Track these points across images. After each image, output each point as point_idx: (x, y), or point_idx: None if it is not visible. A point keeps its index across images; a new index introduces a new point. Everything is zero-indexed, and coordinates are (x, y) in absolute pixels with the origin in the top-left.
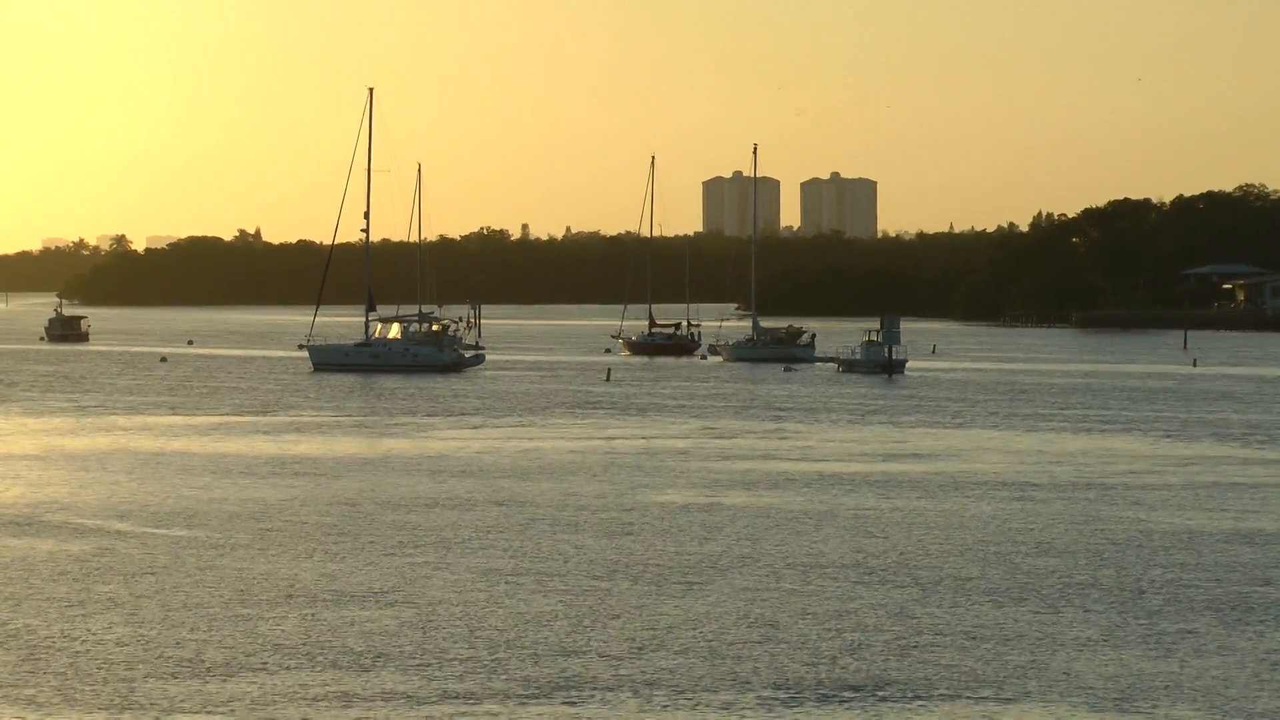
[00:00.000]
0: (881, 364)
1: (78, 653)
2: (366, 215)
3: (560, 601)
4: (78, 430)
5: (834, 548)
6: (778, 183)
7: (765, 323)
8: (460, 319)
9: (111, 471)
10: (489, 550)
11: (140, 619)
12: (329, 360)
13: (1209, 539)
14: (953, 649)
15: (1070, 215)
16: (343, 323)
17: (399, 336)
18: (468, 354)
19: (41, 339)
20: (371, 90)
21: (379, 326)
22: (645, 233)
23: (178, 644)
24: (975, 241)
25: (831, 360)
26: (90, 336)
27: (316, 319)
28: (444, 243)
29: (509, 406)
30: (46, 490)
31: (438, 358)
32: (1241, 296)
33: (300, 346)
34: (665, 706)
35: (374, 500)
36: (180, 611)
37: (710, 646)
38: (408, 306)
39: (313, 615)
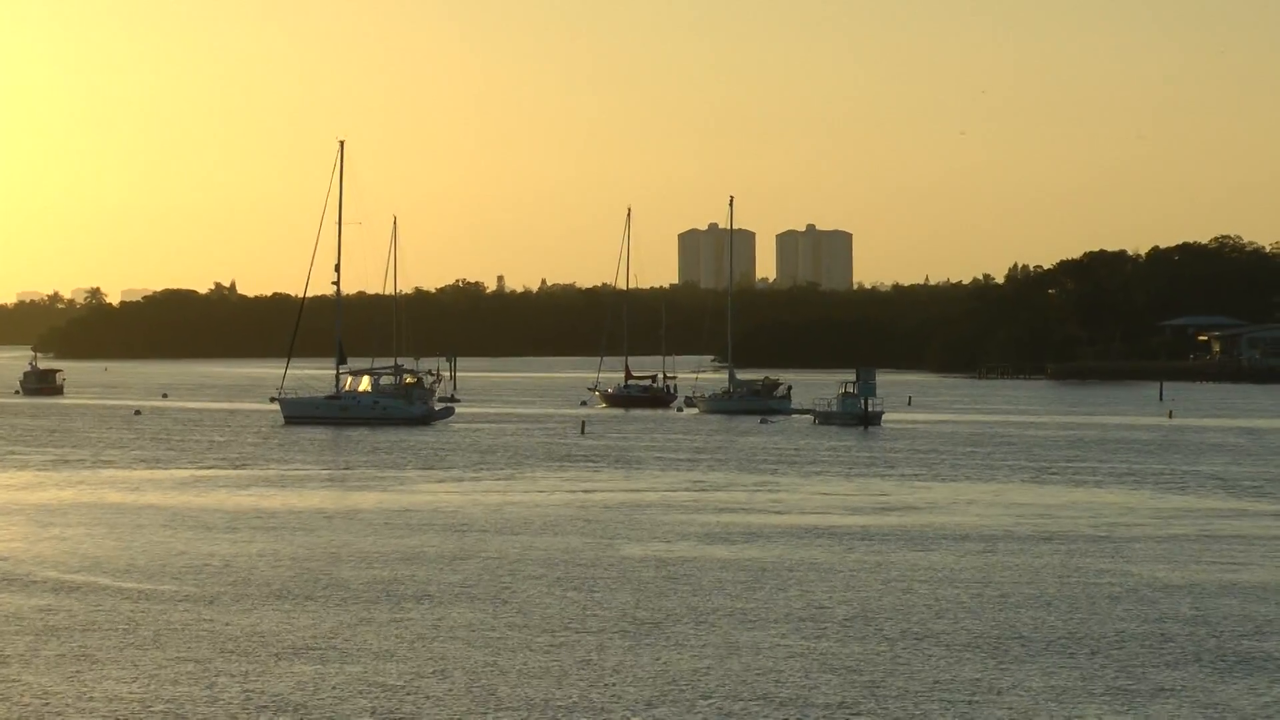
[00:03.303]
0: (858, 416)
1: (54, 710)
2: (337, 268)
3: (546, 657)
4: (50, 484)
5: (810, 601)
6: (753, 234)
7: (741, 374)
8: (431, 371)
9: (83, 525)
10: (466, 605)
11: (115, 676)
12: (300, 413)
13: (1192, 591)
14: (928, 703)
15: (1046, 267)
16: (315, 375)
17: (369, 389)
18: (438, 407)
19: (16, 392)
20: (342, 143)
21: (349, 379)
22: (621, 285)
23: (151, 702)
24: (951, 293)
25: (808, 412)
26: (65, 390)
27: (289, 371)
28: (419, 295)
29: (478, 460)
30: (14, 545)
31: (406, 410)
32: (1217, 348)
33: (272, 399)
34: None
35: (348, 556)
36: (156, 668)
37: (688, 701)
38: (382, 359)
39: (304, 671)
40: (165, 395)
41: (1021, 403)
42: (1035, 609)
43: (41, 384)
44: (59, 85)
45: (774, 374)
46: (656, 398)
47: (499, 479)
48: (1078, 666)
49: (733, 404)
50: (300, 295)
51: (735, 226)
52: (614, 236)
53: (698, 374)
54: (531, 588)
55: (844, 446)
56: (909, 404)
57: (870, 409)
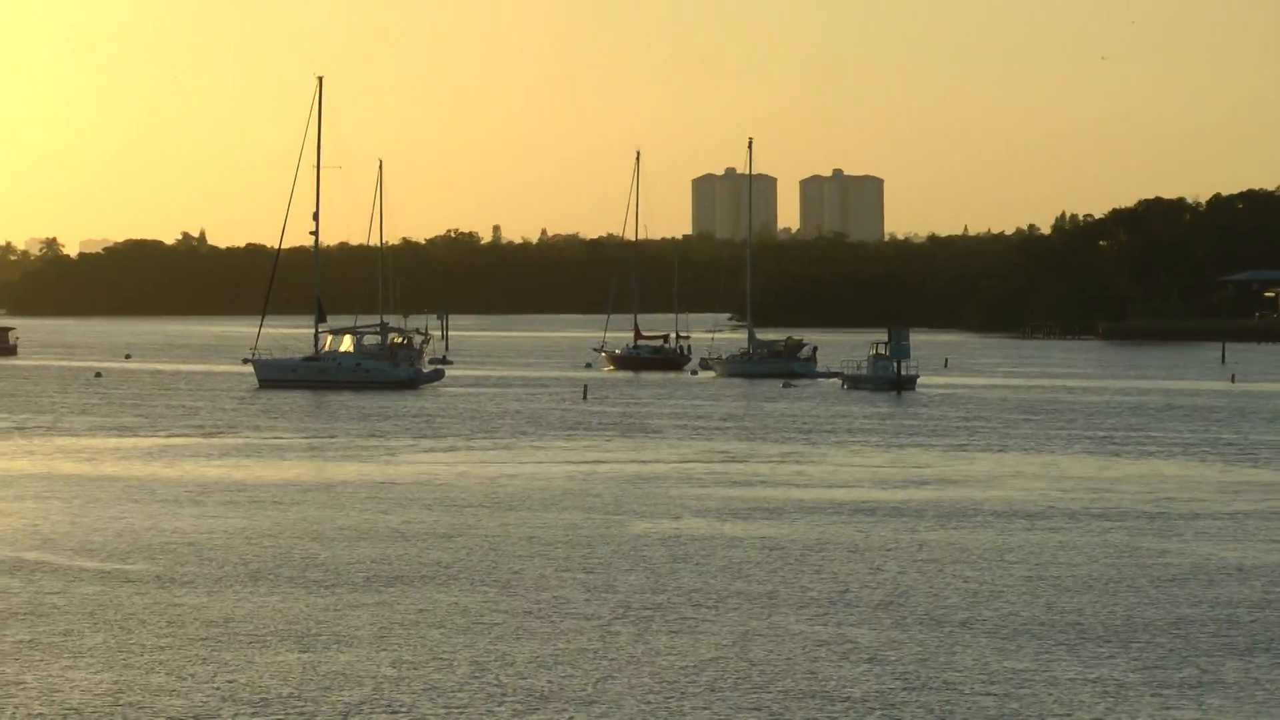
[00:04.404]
0: (890, 380)
1: (19, 703)
2: (315, 216)
3: (549, 644)
4: (6, 453)
5: (837, 583)
6: (775, 181)
7: (762, 334)
8: (420, 330)
9: (36, 499)
10: (460, 588)
11: (80, 664)
12: (275, 376)
13: (1260, 573)
14: (968, 695)
15: (1097, 216)
16: (292, 335)
17: (350, 349)
18: (427, 369)
19: None
20: (321, 79)
21: (329, 339)
22: (629, 236)
23: (120, 693)
24: (992, 245)
25: (835, 376)
26: (19, 350)
27: (263, 330)
28: (407, 246)
29: (472, 428)
30: None
31: (392, 373)
32: None
33: (245, 361)
34: None
35: (330, 533)
36: (124, 657)
37: (711, 688)
38: (367, 316)
39: (281, 661)
40: (128, 356)
41: (1069, 365)
42: (1087, 592)
43: None
44: (9, 14)
45: (797, 333)
46: (668, 360)
47: (494, 449)
48: (1133, 656)
49: (752, 367)
50: (275, 247)
51: (755, 172)
52: (621, 182)
53: (714, 334)
54: (531, 568)
55: (875, 413)
56: (945, 366)
57: (903, 372)
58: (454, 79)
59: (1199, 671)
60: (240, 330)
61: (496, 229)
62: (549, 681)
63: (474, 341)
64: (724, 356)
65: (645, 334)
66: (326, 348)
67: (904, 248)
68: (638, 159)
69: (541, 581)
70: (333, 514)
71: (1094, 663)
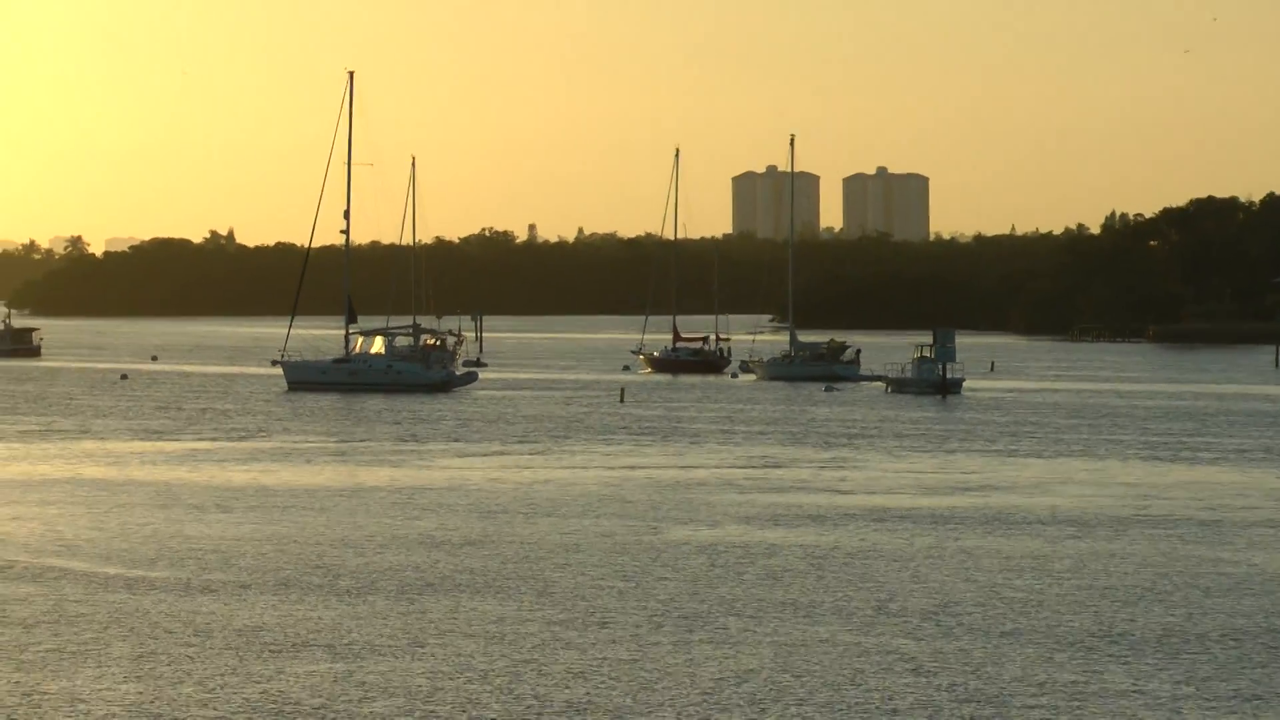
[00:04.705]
0: (935, 383)
1: (44, 713)
2: (346, 214)
3: (590, 655)
4: (26, 457)
5: (881, 593)
6: (817, 178)
7: (804, 336)
8: (453, 331)
9: (61, 504)
10: (494, 596)
11: (105, 674)
12: (305, 378)
13: None
14: (1014, 708)
15: (1147, 215)
16: (322, 336)
17: (382, 351)
18: (460, 371)
19: None
20: (352, 74)
21: (360, 340)
22: (668, 235)
23: (146, 704)
24: (1039, 245)
25: (879, 379)
26: (43, 351)
27: (292, 331)
28: (440, 245)
29: (506, 432)
30: (1, 527)
31: (424, 375)
32: None
33: (273, 363)
34: None
35: (360, 539)
36: (149, 666)
37: (752, 700)
38: (399, 317)
39: (311, 671)
40: (155, 358)
41: (1119, 369)
42: (1137, 602)
43: (16, 344)
44: (38, 11)
45: (840, 335)
46: (708, 362)
47: (529, 454)
48: (1184, 668)
49: (794, 369)
50: (305, 246)
51: (796, 169)
52: (660, 180)
53: (754, 335)
54: (567, 576)
55: (920, 418)
56: (991, 370)
57: (949, 375)
58: (489, 73)
59: (1252, 684)
60: (269, 331)
61: (532, 227)
62: (586, 693)
63: (508, 343)
64: (765, 359)
65: (684, 336)
66: (357, 349)
67: (949, 247)
68: (677, 156)
69: (577, 590)
70: (363, 520)
71: (1144, 675)
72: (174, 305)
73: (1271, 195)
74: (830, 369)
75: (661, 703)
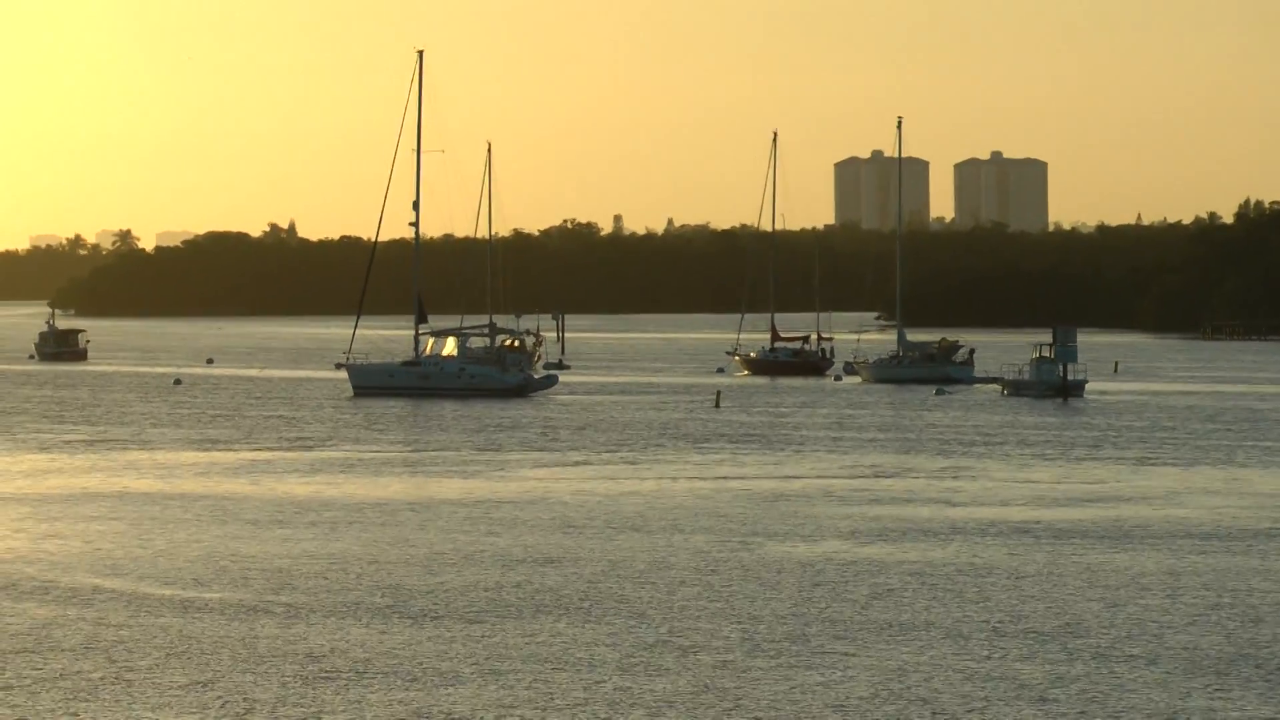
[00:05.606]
0: (1055, 386)
1: None
2: (416, 206)
3: (681, 683)
4: (69, 469)
5: (996, 613)
6: (926, 164)
7: (913, 335)
8: (531, 331)
9: (108, 520)
10: (578, 619)
11: (175, 705)
12: (371, 382)
13: None
14: None
15: None
16: (390, 336)
17: (454, 353)
18: (539, 375)
19: (31, 357)
20: (421, 54)
21: (431, 341)
22: (765, 226)
23: None
24: (1168, 235)
25: (995, 381)
26: (89, 354)
27: (358, 332)
28: (518, 238)
29: (589, 441)
30: (42, 545)
31: (500, 379)
32: None
33: (338, 366)
34: None
35: (432, 557)
36: (218, 694)
37: None
38: (473, 316)
39: (381, 700)
40: (210, 361)
41: (1257, 369)
42: (1276, 624)
43: (61, 347)
44: None
45: (952, 334)
46: (809, 364)
47: (614, 463)
48: None
49: (903, 371)
50: (372, 239)
51: (904, 154)
52: (757, 167)
53: (860, 335)
54: (656, 597)
55: (1039, 423)
56: (1116, 371)
57: (1070, 377)
58: (570, 50)
59: None
60: (333, 331)
61: (618, 219)
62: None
63: (592, 344)
64: (871, 360)
65: (783, 335)
66: (428, 351)
67: (1070, 238)
68: (774, 140)
69: (668, 611)
70: (434, 536)
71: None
72: (230, 304)
73: None
74: (942, 370)
75: None
